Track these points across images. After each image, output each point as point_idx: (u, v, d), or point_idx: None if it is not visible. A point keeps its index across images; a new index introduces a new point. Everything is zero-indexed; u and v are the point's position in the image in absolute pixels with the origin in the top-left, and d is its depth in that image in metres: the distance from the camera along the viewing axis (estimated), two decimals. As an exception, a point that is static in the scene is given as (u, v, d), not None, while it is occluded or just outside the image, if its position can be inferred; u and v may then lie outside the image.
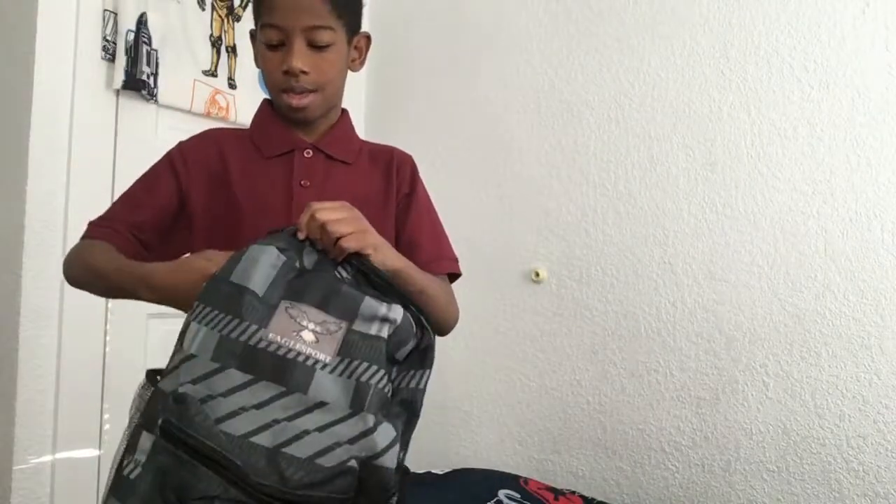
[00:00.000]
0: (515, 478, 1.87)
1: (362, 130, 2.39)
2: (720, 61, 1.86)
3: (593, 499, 1.85)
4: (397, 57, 2.41)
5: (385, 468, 0.72)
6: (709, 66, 1.87)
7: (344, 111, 1.13)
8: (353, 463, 0.70)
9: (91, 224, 1.04)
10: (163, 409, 0.70)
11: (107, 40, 1.70)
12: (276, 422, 0.70)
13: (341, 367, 0.74)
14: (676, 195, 1.90)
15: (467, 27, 2.27)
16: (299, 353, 0.73)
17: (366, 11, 2.35)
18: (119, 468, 0.72)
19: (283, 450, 0.69)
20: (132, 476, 0.70)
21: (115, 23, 1.71)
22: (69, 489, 1.61)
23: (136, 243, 1.01)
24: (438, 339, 0.97)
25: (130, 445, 0.72)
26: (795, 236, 1.74)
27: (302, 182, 1.04)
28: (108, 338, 1.71)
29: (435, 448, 2.16)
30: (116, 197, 1.08)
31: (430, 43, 2.35)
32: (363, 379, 0.74)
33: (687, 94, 1.90)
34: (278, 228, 0.84)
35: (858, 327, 1.66)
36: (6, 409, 1.53)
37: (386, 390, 0.76)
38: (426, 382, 0.78)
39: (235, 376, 0.72)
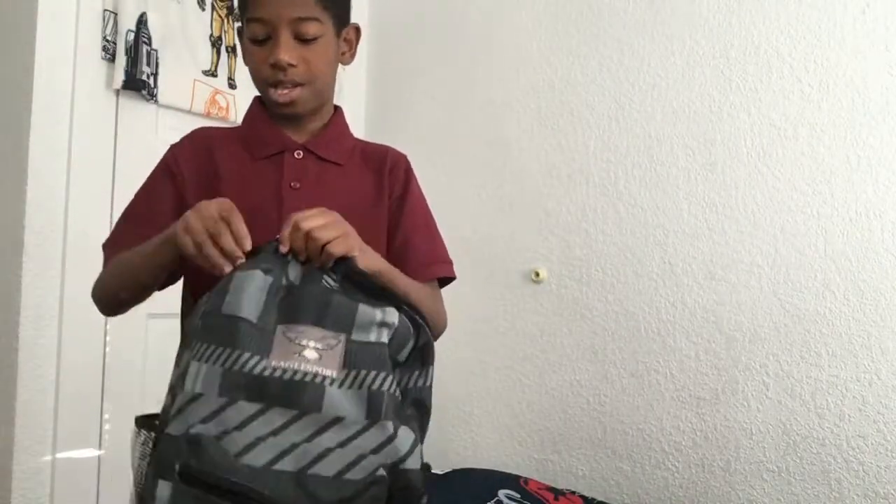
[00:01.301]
0: (515, 478, 1.87)
1: (362, 130, 2.39)
2: (720, 61, 1.86)
3: (593, 499, 1.85)
4: (397, 57, 2.40)
5: (412, 470, 0.72)
6: (709, 66, 1.87)
7: (337, 109, 1.11)
8: (381, 472, 0.70)
9: (104, 248, 1.03)
10: (177, 453, 0.69)
11: (107, 40, 1.70)
12: (296, 445, 0.69)
13: (349, 379, 0.73)
14: (676, 195, 1.90)
15: (467, 27, 2.27)
16: (306, 374, 0.72)
17: (366, 11, 2.38)
18: None
19: (309, 472, 0.68)
20: None
21: (115, 23, 1.71)
22: (69, 489, 1.61)
23: None
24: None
25: (147, 496, 0.70)
26: (795, 236, 1.74)
27: (292, 184, 1.01)
28: (108, 338, 1.71)
29: (435, 448, 2.16)
30: (116, 197, 1.07)
31: (430, 43, 2.35)
32: (374, 387, 0.73)
33: (687, 94, 1.90)
34: (257, 248, 0.82)
35: (858, 327, 1.66)
36: (6, 409, 1.52)
37: (396, 394, 0.75)
38: (432, 379, 0.78)
39: (246, 408, 0.70)
